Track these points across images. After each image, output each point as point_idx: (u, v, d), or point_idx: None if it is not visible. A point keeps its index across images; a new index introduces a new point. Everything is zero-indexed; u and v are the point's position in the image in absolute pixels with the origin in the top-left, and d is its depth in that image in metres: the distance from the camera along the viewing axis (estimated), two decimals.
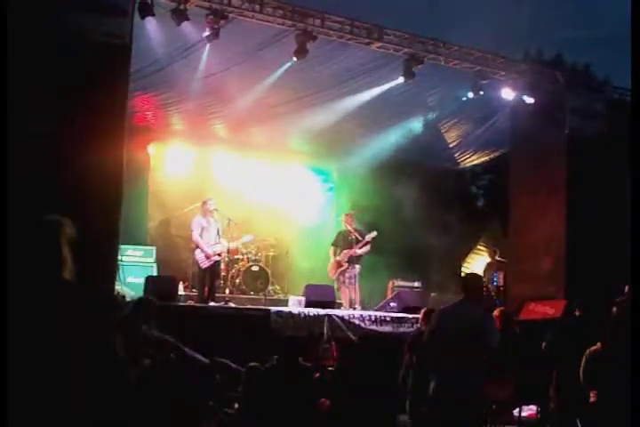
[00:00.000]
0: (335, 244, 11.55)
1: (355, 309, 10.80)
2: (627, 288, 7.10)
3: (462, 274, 13.00)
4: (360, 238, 11.28)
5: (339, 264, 11.30)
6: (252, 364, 6.57)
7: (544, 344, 7.39)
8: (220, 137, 13.01)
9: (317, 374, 6.80)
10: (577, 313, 7.43)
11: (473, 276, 6.71)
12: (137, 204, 12.04)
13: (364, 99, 11.36)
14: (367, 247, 11.37)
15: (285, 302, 11.06)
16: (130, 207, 11.31)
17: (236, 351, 8.13)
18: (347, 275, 11.22)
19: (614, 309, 7.10)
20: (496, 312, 8.06)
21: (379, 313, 10.26)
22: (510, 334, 7.91)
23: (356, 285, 11.27)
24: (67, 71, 7.59)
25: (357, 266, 11.34)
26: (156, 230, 12.64)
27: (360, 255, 11.39)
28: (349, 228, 11.46)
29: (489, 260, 13.66)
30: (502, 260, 13.13)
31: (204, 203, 10.63)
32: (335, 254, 11.44)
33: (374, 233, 11.37)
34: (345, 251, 11.28)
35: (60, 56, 7.56)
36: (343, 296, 11.16)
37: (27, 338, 2.93)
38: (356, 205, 13.09)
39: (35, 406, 2.91)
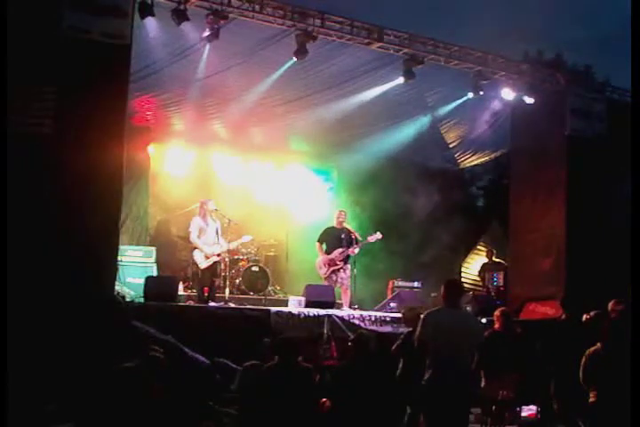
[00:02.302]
0: (322, 240, 11.30)
1: (355, 309, 10.77)
2: (610, 305, 7.06)
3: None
4: (359, 238, 11.20)
5: (332, 262, 11.10)
6: (248, 363, 6.57)
7: (539, 345, 7.36)
8: (219, 137, 13.00)
9: (317, 376, 6.79)
10: (564, 316, 7.36)
11: (452, 283, 6.44)
12: (137, 204, 12.06)
13: (364, 99, 11.32)
14: (358, 247, 11.27)
15: (285, 302, 11.03)
16: (130, 207, 11.37)
17: (236, 351, 8.13)
18: (341, 275, 11.05)
19: (613, 309, 7.10)
20: (497, 312, 8.06)
21: (379, 313, 10.24)
22: (510, 334, 7.91)
23: (349, 285, 11.18)
24: (67, 71, 7.59)
25: (349, 266, 11.21)
26: (156, 230, 12.65)
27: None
28: (346, 226, 11.35)
29: (486, 260, 13.67)
30: (499, 261, 13.14)
31: (203, 203, 10.59)
32: (322, 251, 11.24)
33: (379, 235, 11.23)
34: (340, 249, 11.06)
35: (60, 56, 7.56)
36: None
37: None
38: (356, 205, 13.08)
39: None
